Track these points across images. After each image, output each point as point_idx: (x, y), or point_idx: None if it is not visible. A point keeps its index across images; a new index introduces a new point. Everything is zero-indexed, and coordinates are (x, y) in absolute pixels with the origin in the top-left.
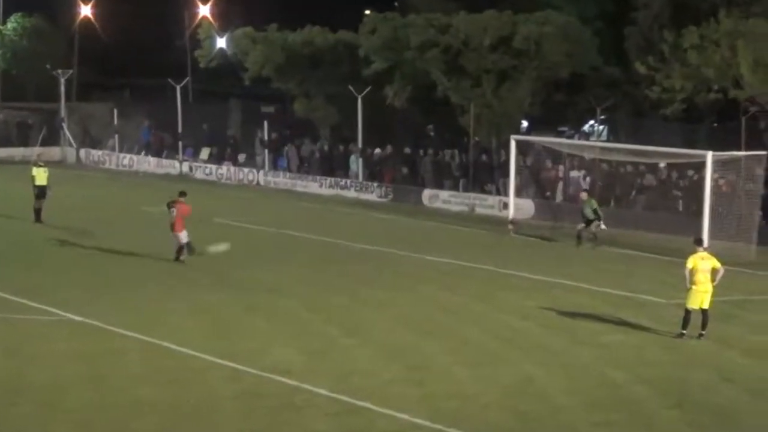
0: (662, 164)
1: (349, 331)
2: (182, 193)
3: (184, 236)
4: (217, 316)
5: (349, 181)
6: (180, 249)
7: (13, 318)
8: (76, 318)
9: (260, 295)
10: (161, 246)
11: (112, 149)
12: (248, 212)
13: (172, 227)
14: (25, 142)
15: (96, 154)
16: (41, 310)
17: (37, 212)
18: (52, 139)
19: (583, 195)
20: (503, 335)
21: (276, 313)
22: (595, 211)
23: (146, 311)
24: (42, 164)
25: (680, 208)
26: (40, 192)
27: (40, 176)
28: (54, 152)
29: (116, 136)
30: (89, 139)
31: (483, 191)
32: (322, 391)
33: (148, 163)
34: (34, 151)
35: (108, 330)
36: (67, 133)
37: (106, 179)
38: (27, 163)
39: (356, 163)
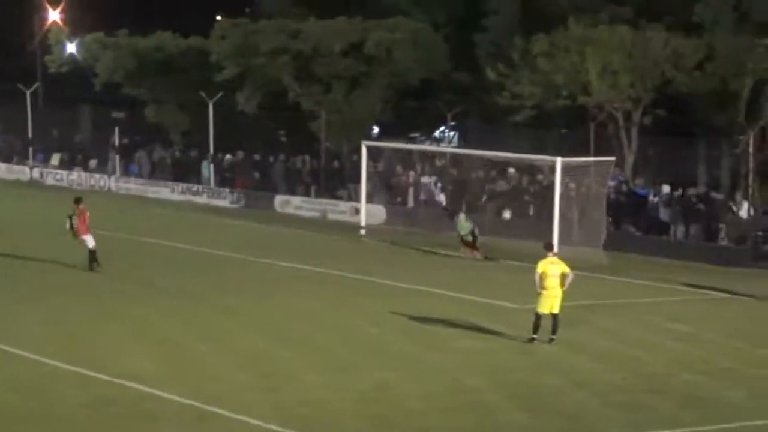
0: (512, 170)
1: (202, 337)
2: (79, 200)
3: (90, 240)
4: (67, 323)
5: (200, 187)
6: (92, 254)
7: None
8: None
9: (110, 303)
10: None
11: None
12: (99, 218)
13: (77, 232)
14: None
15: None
16: None
17: None
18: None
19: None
20: (357, 341)
21: (128, 321)
22: (471, 233)
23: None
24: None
25: (531, 213)
26: None
27: None
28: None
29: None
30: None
31: (335, 197)
32: (175, 398)
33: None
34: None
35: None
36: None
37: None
38: None
39: (208, 169)
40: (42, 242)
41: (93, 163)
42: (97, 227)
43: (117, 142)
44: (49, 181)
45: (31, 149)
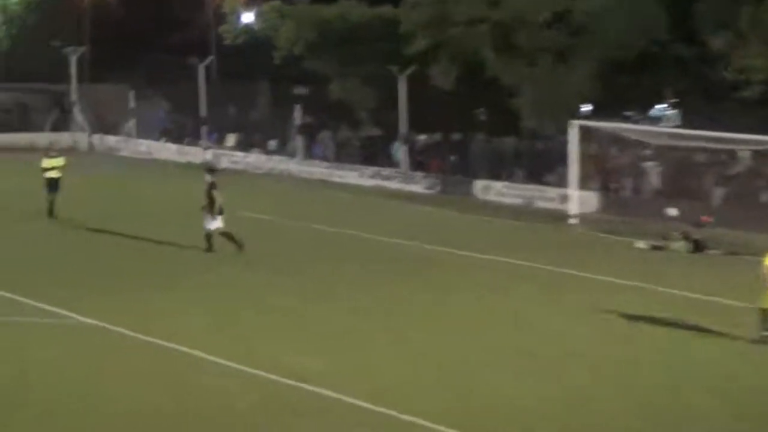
0: (744, 153)
1: (387, 336)
2: (212, 170)
3: (212, 220)
4: (231, 319)
5: (391, 171)
6: (210, 237)
7: (21, 321)
8: (84, 319)
9: (286, 297)
10: (183, 242)
11: (129, 135)
12: (279, 205)
13: (211, 208)
14: (30, 127)
15: (111, 140)
16: (47, 311)
17: (51, 207)
18: (61, 124)
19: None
20: (560, 343)
21: (303, 317)
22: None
23: (157, 311)
24: (55, 154)
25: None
26: (53, 185)
27: (53, 167)
28: (64, 138)
29: (133, 120)
30: (103, 124)
31: (541, 182)
32: (354, 401)
33: (168, 151)
34: (41, 138)
35: (112, 330)
36: (79, 116)
37: (122, 168)
38: (33, 151)
39: (400, 151)
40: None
41: (272, 144)
42: (276, 214)
43: (299, 121)
44: (224, 163)
45: (204, 129)
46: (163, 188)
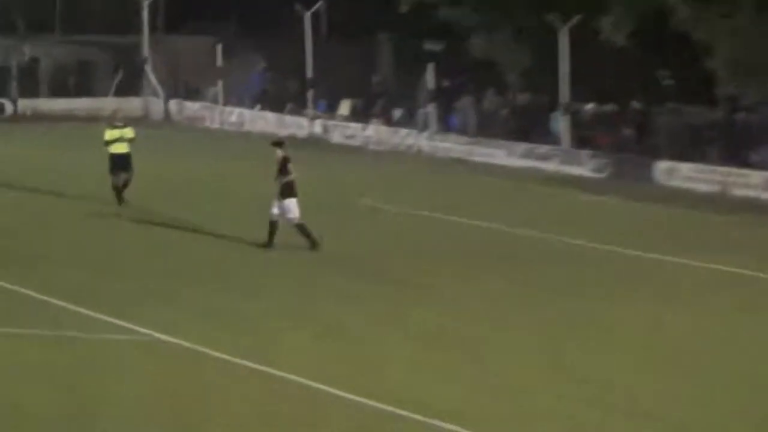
0: None
1: (548, 359)
2: (279, 144)
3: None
4: (353, 336)
5: (549, 149)
6: (273, 226)
7: (78, 338)
8: (161, 337)
9: (413, 309)
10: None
11: (214, 101)
12: (404, 191)
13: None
14: (90, 91)
15: (192, 107)
16: (117, 326)
17: (118, 191)
18: (129, 86)
19: None
20: (750, 371)
21: (432, 335)
22: None
23: (253, 328)
24: (121, 124)
25: None
26: (120, 163)
27: (119, 140)
28: (133, 105)
29: (220, 82)
30: (182, 87)
31: (742, 164)
32: None
33: (265, 121)
34: (105, 104)
35: (199, 352)
36: (152, 77)
37: (206, 144)
38: (93, 120)
39: (560, 124)
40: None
41: (397, 113)
42: (401, 202)
43: (431, 86)
44: (336, 137)
45: (310, 94)
46: (257, 170)
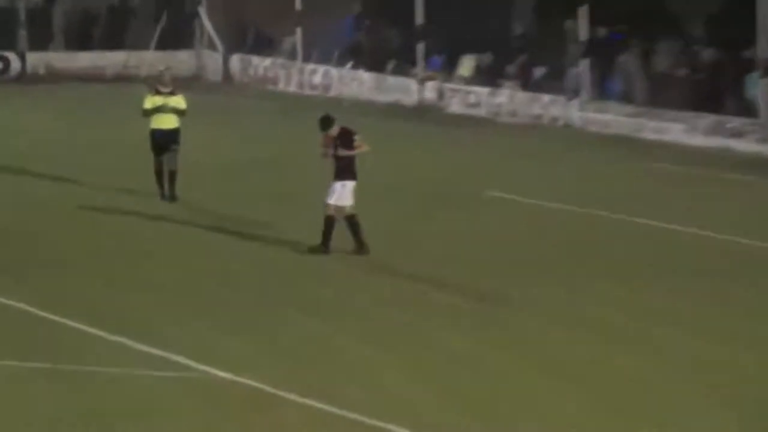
0: None
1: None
2: (327, 121)
3: (338, 195)
4: (480, 373)
5: (745, 122)
6: (329, 224)
7: (104, 374)
8: (223, 375)
9: (564, 337)
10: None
11: (291, 56)
12: (547, 178)
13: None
14: (122, 42)
15: (260, 65)
16: (158, 358)
17: (161, 179)
18: (177, 36)
19: None
20: None
21: (588, 378)
22: None
23: (331, 361)
24: (167, 89)
25: None
26: (165, 142)
27: (166, 110)
28: (181, 61)
29: (299, 31)
30: (249, 38)
31: None
32: None
33: (359, 83)
34: (144, 60)
35: (267, 393)
36: (207, 24)
37: (278, 114)
38: (126, 81)
39: (758, 89)
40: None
41: (538, 73)
42: (545, 194)
43: (584, 36)
44: (455, 107)
45: (420, 48)
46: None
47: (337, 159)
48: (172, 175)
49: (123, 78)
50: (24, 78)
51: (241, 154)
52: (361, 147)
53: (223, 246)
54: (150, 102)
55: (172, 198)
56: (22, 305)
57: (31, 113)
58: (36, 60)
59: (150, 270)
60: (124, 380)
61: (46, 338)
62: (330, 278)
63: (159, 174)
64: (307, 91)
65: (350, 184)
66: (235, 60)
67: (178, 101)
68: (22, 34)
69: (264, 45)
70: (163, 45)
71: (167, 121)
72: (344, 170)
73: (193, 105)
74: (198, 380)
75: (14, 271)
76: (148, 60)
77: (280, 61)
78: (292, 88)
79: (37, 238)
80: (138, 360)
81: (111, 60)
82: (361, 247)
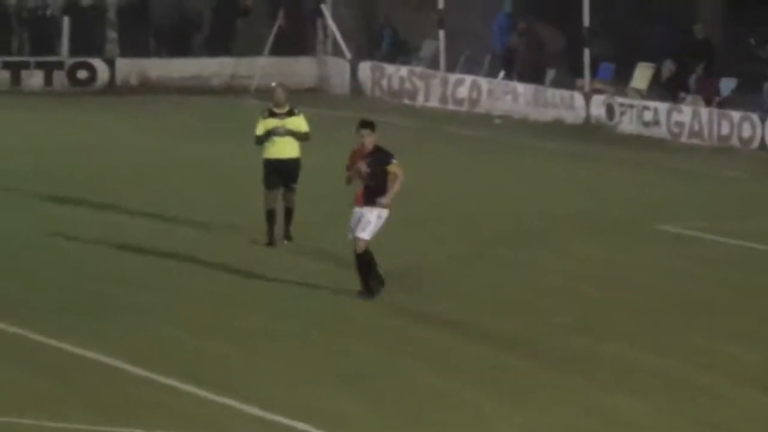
0: None
1: None
2: (367, 125)
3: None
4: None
5: None
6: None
7: None
8: None
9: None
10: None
11: (432, 64)
12: (735, 211)
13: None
14: (229, 47)
15: (395, 74)
16: (260, 419)
17: (273, 219)
18: (295, 40)
19: None
20: None
21: None
22: None
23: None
24: (282, 109)
25: None
26: (280, 173)
27: (281, 133)
28: (302, 70)
29: (441, 34)
30: (382, 40)
31: None
32: None
33: (513, 96)
34: (255, 69)
35: None
36: (332, 25)
37: (420, 133)
38: (235, 93)
39: None
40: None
41: (727, 87)
42: (726, 228)
43: None
44: (627, 124)
45: (586, 55)
46: (514, 185)
47: (370, 180)
48: (289, 214)
49: (230, 90)
50: (113, 89)
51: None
52: (398, 176)
53: (321, 291)
54: (263, 126)
55: (288, 238)
56: (102, 358)
57: (120, 130)
58: (127, 68)
59: (239, 317)
60: None
61: (135, 397)
62: (452, 324)
63: (271, 214)
64: (451, 106)
65: (385, 214)
66: (365, 68)
67: (298, 123)
68: (111, 37)
69: (400, 50)
70: (279, 50)
71: (284, 149)
72: (376, 195)
73: (314, 124)
74: None
75: (91, 318)
76: (261, 68)
77: (419, 69)
78: (433, 102)
79: (116, 278)
80: (252, 426)
81: (216, 68)
82: (368, 290)
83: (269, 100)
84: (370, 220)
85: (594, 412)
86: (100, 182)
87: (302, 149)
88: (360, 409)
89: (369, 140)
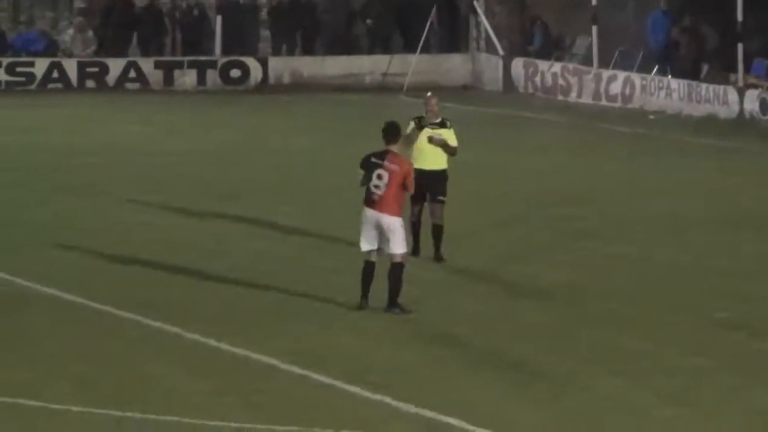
0: None
1: None
2: (392, 130)
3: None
4: None
5: None
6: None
7: None
8: None
9: None
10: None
11: (585, 60)
12: None
13: (376, 204)
14: (383, 44)
15: (548, 71)
16: (434, 421)
17: (418, 232)
18: (448, 38)
19: None
20: None
21: None
22: None
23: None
24: (435, 119)
25: None
26: (429, 185)
27: (436, 145)
28: (454, 67)
29: (594, 30)
30: (534, 39)
31: None
32: None
33: (667, 92)
34: (408, 67)
35: None
36: (485, 23)
37: (576, 132)
38: (387, 92)
39: None
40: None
41: None
42: None
43: None
44: None
45: (740, 49)
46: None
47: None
48: (437, 231)
49: (383, 88)
50: (265, 88)
51: (529, 187)
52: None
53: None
54: (413, 137)
55: (438, 259)
56: (260, 357)
57: (271, 129)
58: (280, 66)
59: (398, 318)
60: None
61: (293, 396)
62: (639, 327)
63: (416, 226)
64: (604, 102)
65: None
66: (518, 65)
67: (449, 136)
68: (264, 34)
69: (552, 46)
70: (431, 47)
71: (432, 161)
72: (384, 201)
73: (468, 120)
74: None
75: (266, 323)
76: (414, 66)
77: (571, 66)
78: (585, 98)
79: (282, 283)
80: (409, 425)
81: (369, 66)
82: (393, 305)
83: (421, 98)
84: (397, 229)
85: (756, 412)
86: (254, 185)
87: (450, 159)
88: (518, 408)
89: (393, 147)
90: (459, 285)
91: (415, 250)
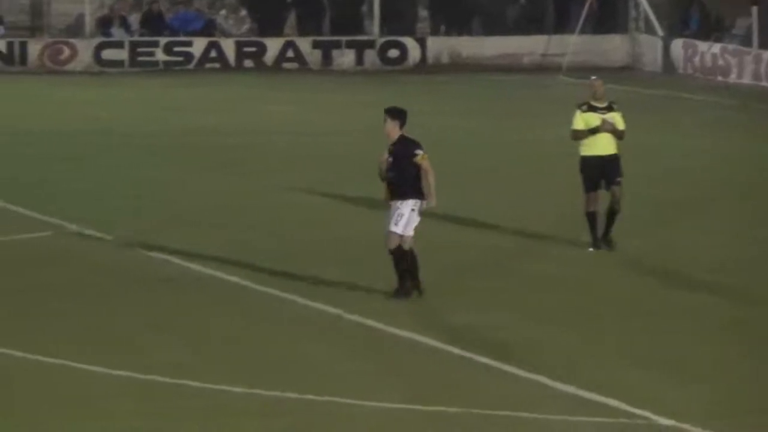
0: None
1: None
2: (396, 113)
3: (403, 221)
4: None
5: None
6: (405, 260)
7: (542, 421)
8: (664, 422)
9: None
10: None
11: (745, 41)
12: None
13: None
14: (539, 25)
15: (708, 52)
16: (590, 402)
17: (595, 221)
18: (608, 18)
19: None
20: None
21: None
22: None
23: None
24: (602, 104)
25: None
26: (604, 170)
27: (602, 129)
28: (613, 48)
29: (754, 10)
30: (692, 19)
31: None
32: None
33: None
34: (567, 47)
35: None
36: (644, 3)
37: (735, 114)
38: (546, 72)
39: None
40: None
41: None
42: None
43: None
44: None
45: None
46: None
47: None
48: (613, 216)
49: (541, 68)
50: (424, 68)
51: (691, 173)
52: (428, 171)
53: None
54: (582, 121)
55: (609, 244)
56: (418, 337)
57: (430, 109)
58: (438, 46)
59: (559, 299)
60: (555, 427)
61: (450, 377)
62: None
63: (593, 215)
64: (765, 83)
65: (419, 207)
66: (677, 46)
67: (617, 120)
68: (423, 15)
69: (712, 27)
70: (590, 28)
71: (604, 146)
72: (401, 188)
73: (628, 101)
74: (639, 427)
75: (424, 304)
76: (572, 46)
77: (731, 47)
78: (746, 79)
79: (451, 264)
80: (567, 404)
81: (528, 46)
82: (403, 290)
83: (580, 78)
84: (403, 213)
85: None
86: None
87: (620, 144)
88: (677, 392)
89: (389, 127)
90: (619, 267)
91: (594, 241)
